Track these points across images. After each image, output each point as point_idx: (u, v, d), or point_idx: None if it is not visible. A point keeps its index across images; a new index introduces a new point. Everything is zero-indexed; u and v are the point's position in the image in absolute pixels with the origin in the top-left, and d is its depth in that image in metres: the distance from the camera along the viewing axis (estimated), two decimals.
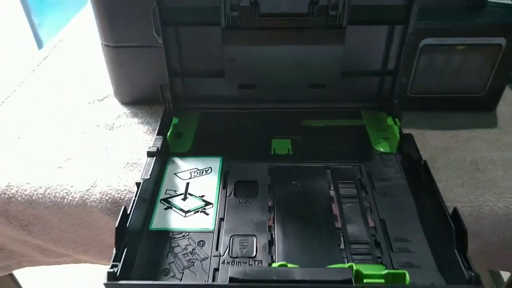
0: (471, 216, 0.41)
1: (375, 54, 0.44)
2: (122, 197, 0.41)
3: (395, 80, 0.45)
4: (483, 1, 0.46)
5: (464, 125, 0.50)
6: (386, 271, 0.30)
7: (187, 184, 0.41)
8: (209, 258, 0.34)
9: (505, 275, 0.75)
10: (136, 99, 0.53)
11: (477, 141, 0.48)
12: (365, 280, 0.30)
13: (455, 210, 0.33)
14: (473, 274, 0.29)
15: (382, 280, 0.30)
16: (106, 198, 0.41)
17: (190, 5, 0.42)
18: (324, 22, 0.41)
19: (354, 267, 0.30)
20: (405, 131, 0.45)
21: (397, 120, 0.45)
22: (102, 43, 0.50)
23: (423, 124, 0.50)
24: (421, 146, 0.46)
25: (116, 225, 0.31)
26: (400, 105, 0.46)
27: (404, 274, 0.30)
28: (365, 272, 0.30)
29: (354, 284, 0.28)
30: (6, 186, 0.42)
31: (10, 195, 0.42)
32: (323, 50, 0.42)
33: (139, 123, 0.51)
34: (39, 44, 1.83)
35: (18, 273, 0.56)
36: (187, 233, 0.36)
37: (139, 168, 0.44)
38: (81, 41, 0.70)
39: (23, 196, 0.42)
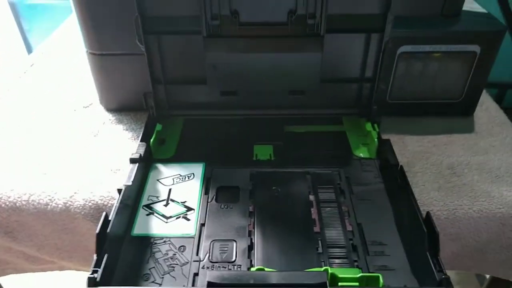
0: (447, 220, 0.42)
1: (353, 62, 0.45)
2: (105, 203, 0.41)
3: (373, 86, 0.46)
4: (457, 10, 0.47)
5: (442, 130, 0.51)
6: (360, 274, 0.31)
7: (170, 190, 0.41)
8: (189, 263, 0.35)
9: None
10: (121, 106, 0.54)
11: (454, 146, 0.49)
12: (340, 284, 0.31)
13: (427, 214, 0.34)
14: (443, 276, 0.30)
15: (357, 283, 0.31)
16: (90, 204, 0.41)
17: (171, 15, 0.43)
18: (303, 31, 0.42)
19: (329, 271, 0.31)
20: (385, 136, 0.46)
21: (375, 125, 0.46)
22: (87, 51, 0.50)
23: (403, 129, 0.51)
24: (399, 151, 0.48)
25: (97, 231, 0.32)
26: (379, 111, 0.47)
27: (378, 277, 0.31)
28: (340, 276, 0.31)
29: (328, 287, 0.29)
30: None
31: None
32: (302, 57, 0.43)
33: (124, 129, 0.51)
34: (29, 50, 1.82)
35: (3, 280, 0.56)
36: (168, 239, 0.37)
37: (122, 174, 0.44)
38: (68, 48, 0.70)
39: (7, 203, 0.42)
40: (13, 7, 1.73)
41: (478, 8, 0.51)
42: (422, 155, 0.48)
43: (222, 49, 0.43)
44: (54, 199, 0.42)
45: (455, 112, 0.53)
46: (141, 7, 0.42)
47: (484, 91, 0.54)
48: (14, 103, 0.56)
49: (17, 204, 0.42)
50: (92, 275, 0.30)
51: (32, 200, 0.42)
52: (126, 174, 0.40)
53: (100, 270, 0.31)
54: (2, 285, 0.58)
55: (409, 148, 0.49)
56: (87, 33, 0.49)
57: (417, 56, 0.47)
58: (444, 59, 0.48)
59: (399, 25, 0.44)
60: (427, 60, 0.48)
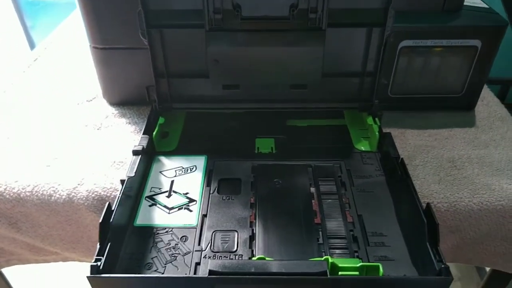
0: (448, 212, 0.42)
1: (355, 56, 0.46)
2: (109, 194, 0.42)
3: (374, 81, 0.46)
4: (459, 4, 0.48)
5: (443, 124, 0.51)
6: (360, 264, 0.32)
7: (172, 182, 0.42)
8: (191, 252, 0.35)
9: None
10: (124, 99, 0.54)
11: (455, 139, 0.50)
12: (340, 273, 0.31)
13: (428, 205, 0.34)
14: (443, 266, 0.31)
15: (357, 273, 0.31)
16: (93, 195, 0.42)
17: (174, 8, 0.43)
18: (305, 25, 0.42)
19: (330, 260, 0.31)
20: (386, 130, 0.46)
21: (377, 119, 0.47)
22: (90, 45, 0.51)
23: (404, 123, 0.51)
24: (400, 144, 0.48)
25: (100, 220, 0.32)
26: (381, 105, 0.48)
27: (378, 266, 0.31)
28: (340, 265, 0.31)
29: (329, 276, 0.29)
30: None
31: None
32: (304, 51, 0.43)
33: (126, 123, 0.52)
34: (32, 46, 1.83)
35: (7, 271, 0.57)
36: (170, 229, 0.37)
37: (125, 167, 0.45)
38: (71, 43, 0.71)
39: (11, 194, 0.43)
40: (15, 3, 1.74)
41: (479, 3, 0.51)
42: (422, 148, 0.48)
43: (224, 43, 0.43)
44: (58, 191, 0.42)
45: (456, 107, 0.53)
46: (144, 1, 0.42)
47: (485, 85, 0.55)
48: (18, 96, 0.57)
49: (21, 195, 0.43)
50: (95, 263, 0.31)
51: (36, 191, 0.43)
52: (129, 166, 0.40)
53: (103, 259, 0.31)
54: (6, 276, 0.58)
55: (410, 142, 0.49)
56: (90, 28, 0.49)
57: (418, 51, 0.47)
58: (445, 54, 0.48)
59: (400, 20, 0.44)
60: (428, 55, 0.48)
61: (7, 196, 0.43)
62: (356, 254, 0.35)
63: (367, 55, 0.45)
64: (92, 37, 0.50)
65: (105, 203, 0.41)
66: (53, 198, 0.42)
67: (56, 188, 0.42)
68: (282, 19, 0.42)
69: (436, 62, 0.49)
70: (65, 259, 0.50)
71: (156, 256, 0.35)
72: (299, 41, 0.43)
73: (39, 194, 0.42)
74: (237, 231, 0.37)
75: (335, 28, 0.43)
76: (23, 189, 0.43)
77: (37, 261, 0.50)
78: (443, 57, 0.48)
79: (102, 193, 0.42)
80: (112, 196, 0.42)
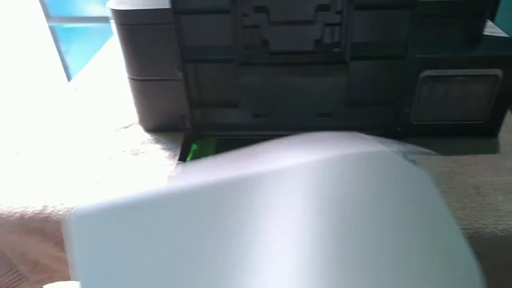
0: (473, 238, 0.43)
1: (378, 86, 0.48)
2: None
3: (397, 109, 0.48)
4: (478, 35, 0.49)
5: (466, 151, 0.52)
6: None
7: None
8: None
9: None
10: (159, 126, 0.58)
11: (479, 166, 0.51)
12: None
13: None
14: None
15: None
16: None
17: (207, 44, 0.47)
18: (329, 58, 0.45)
19: None
20: (409, 157, 0.48)
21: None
22: (128, 77, 0.55)
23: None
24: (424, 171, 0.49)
25: None
26: (404, 133, 0.49)
27: None
28: None
29: None
30: (42, 207, 0.47)
31: (46, 215, 0.47)
32: (328, 83, 0.46)
33: (161, 149, 0.55)
34: (66, 70, 1.93)
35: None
36: None
37: None
38: (108, 72, 0.76)
39: (57, 216, 0.46)
40: (52, 30, 1.85)
41: (500, 32, 0.52)
42: (446, 175, 0.49)
43: (253, 76, 0.47)
44: None
45: (479, 133, 0.54)
46: (180, 38, 0.46)
47: (509, 111, 0.56)
48: (58, 124, 0.61)
49: (66, 217, 0.46)
50: None
51: None
52: None
53: None
54: None
55: (434, 168, 0.50)
56: (129, 61, 0.53)
57: (440, 80, 0.49)
58: (467, 83, 0.49)
59: (422, 51, 0.46)
60: (450, 84, 0.49)
61: (54, 218, 0.46)
62: None
63: (390, 85, 0.47)
64: (130, 70, 0.54)
65: None
66: None
67: None
68: (308, 53, 0.45)
69: (458, 90, 0.50)
70: None
71: None
72: (324, 73, 0.46)
73: None
74: None
75: (358, 61, 0.45)
76: (67, 211, 0.46)
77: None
78: (464, 85, 0.50)
79: None
80: None
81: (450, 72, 0.48)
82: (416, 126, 0.53)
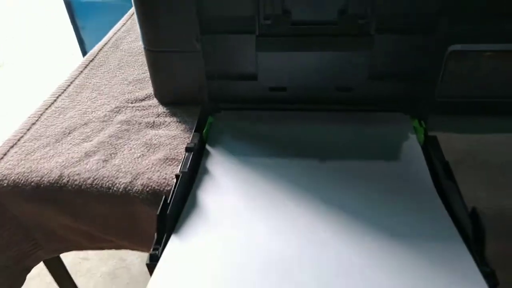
0: (496, 218, 0.42)
1: (402, 60, 0.46)
2: (162, 189, 0.45)
3: (421, 84, 0.46)
4: (510, 7, 0.47)
5: (490, 130, 0.51)
6: None
7: None
8: None
9: None
10: (175, 99, 0.57)
11: (504, 145, 0.49)
12: None
13: (473, 209, 0.34)
14: (489, 270, 0.31)
15: None
16: (147, 189, 0.45)
17: (226, 15, 0.45)
18: (353, 30, 0.43)
19: None
20: (432, 134, 0.46)
21: (422, 122, 0.47)
22: (144, 47, 0.54)
23: (450, 128, 0.51)
24: (446, 149, 0.48)
25: (158, 212, 0.35)
26: (427, 109, 0.48)
27: None
28: None
29: None
30: (58, 177, 0.47)
31: (62, 184, 0.47)
32: (351, 56, 0.44)
33: (177, 121, 0.54)
34: (82, 46, 1.93)
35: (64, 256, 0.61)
36: None
37: (177, 163, 0.47)
38: (125, 45, 0.75)
39: (73, 186, 0.46)
40: (68, 5, 1.84)
41: None
42: (469, 153, 0.48)
43: (274, 48, 0.45)
44: (116, 184, 0.46)
45: (506, 112, 0.52)
46: (199, 8, 0.44)
47: None
48: (74, 96, 0.61)
49: (82, 187, 0.46)
50: (154, 252, 0.33)
51: (96, 184, 0.46)
52: (180, 162, 0.43)
53: (160, 248, 0.34)
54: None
55: (456, 147, 0.49)
56: (145, 32, 0.52)
57: (468, 55, 0.47)
58: (495, 58, 0.47)
59: (449, 24, 0.44)
60: (478, 59, 0.47)
61: (70, 188, 0.46)
62: None
63: (414, 59, 0.46)
64: (147, 40, 0.53)
65: (158, 196, 0.44)
66: (111, 191, 0.45)
67: (114, 182, 0.46)
68: (331, 24, 0.43)
69: (485, 66, 0.48)
70: (118, 247, 0.53)
71: None
72: (347, 45, 0.44)
73: (98, 187, 0.46)
74: None
75: (383, 33, 0.44)
76: (83, 181, 0.46)
77: (92, 248, 0.54)
78: (493, 61, 0.48)
79: (156, 187, 0.45)
80: (165, 190, 0.45)
81: (478, 46, 0.46)
82: (439, 103, 0.51)
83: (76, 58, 1.97)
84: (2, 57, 2.16)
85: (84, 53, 1.92)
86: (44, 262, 0.59)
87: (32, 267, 0.55)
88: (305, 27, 0.44)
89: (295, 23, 0.44)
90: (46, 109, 0.58)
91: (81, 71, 0.68)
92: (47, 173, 0.47)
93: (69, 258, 0.64)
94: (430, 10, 0.43)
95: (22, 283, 0.54)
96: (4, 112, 1.77)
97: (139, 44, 0.75)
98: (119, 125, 0.54)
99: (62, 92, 0.62)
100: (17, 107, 1.80)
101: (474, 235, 0.33)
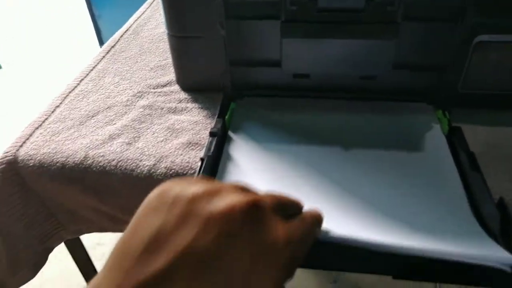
0: None
1: (428, 49, 0.46)
2: (185, 172, 0.45)
3: (446, 75, 0.46)
4: None
5: None
6: None
7: None
8: None
9: None
10: (197, 86, 0.57)
11: None
12: None
13: (501, 199, 0.34)
14: None
15: None
16: (171, 172, 0.45)
17: (251, 0, 0.45)
18: (380, 18, 0.43)
19: None
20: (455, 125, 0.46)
21: (446, 113, 0.46)
22: (168, 33, 0.54)
23: (474, 120, 0.50)
24: (470, 141, 0.47)
25: None
26: (451, 101, 0.47)
27: None
28: None
29: None
30: (83, 158, 0.48)
31: (87, 165, 0.47)
32: (377, 44, 0.44)
33: (199, 107, 0.55)
34: (99, 35, 1.95)
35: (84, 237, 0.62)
36: None
37: (199, 147, 0.48)
38: (147, 31, 0.75)
39: (98, 167, 0.47)
40: None
41: None
42: (493, 146, 0.47)
43: (299, 34, 0.45)
44: (140, 166, 0.46)
45: None
46: None
47: None
48: (97, 81, 0.62)
49: (107, 169, 0.47)
50: None
51: (120, 166, 0.47)
52: (204, 147, 0.43)
53: None
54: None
55: (480, 139, 0.48)
56: (169, 17, 0.52)
57: (495, 46, 0.46)
58: None
59: (476, 14, 0.43)
60: (505, 50, 0.47)
61: (94, 169, 0.47)
62: None
63: (440, 49, 0.45)
64: (171, 26, 0.53)
65: None
66: (135, 173, 0.46)
67: (138, 164, 0.46)
68: (358, 11, 0.43)
69: None
70: None
71: None
72: (373, 33, 0.44)
73: (122, 169, 0.46)
74: None
75: (410, 22, 0.43)
76: (108, 163, 0.47)
77: (114, 230, 0.55)
78: None
79: (179, 170, 0.45)
80: (187, 173, 0.45)
81: (506, 37, 0.46)
82: (463, 95, 0.51)
83: (93, 47, 1.98)
84: (3, 56, 2.18)
85: (101, 42, 1.94)
86: (64, 243, 0.60)
87: (54, 247, 0.56)
88: (331, 14, 0.44)
89: (321, 10, 0.44)
90: (70, 92, 0.59)
91: (103, 56, 0.68)
92: (72, 154, 0.48)
93: (84, 243, 0.64)
94: (456, 0, 0.42)
95: (44, 262, 0.56)
96: (4, 112, 1.79)
97: (160, 31, 0.75)
98: (141, 110, 0.55)
99: (85, 76, 0.63)
100: (17, 107, 1.82)
101: (502, 226, 0.33)
